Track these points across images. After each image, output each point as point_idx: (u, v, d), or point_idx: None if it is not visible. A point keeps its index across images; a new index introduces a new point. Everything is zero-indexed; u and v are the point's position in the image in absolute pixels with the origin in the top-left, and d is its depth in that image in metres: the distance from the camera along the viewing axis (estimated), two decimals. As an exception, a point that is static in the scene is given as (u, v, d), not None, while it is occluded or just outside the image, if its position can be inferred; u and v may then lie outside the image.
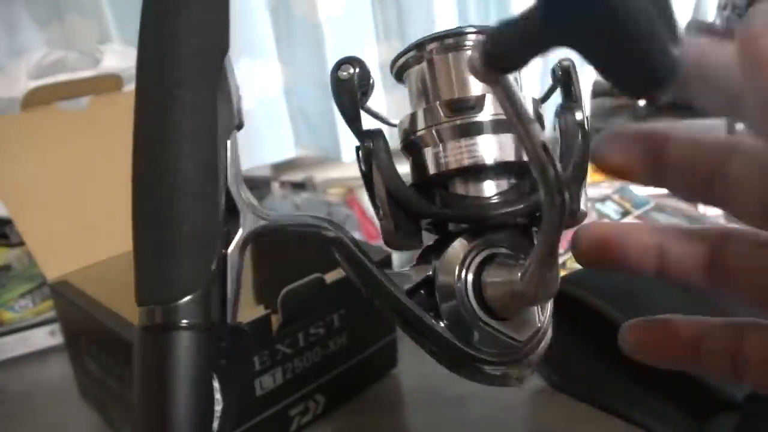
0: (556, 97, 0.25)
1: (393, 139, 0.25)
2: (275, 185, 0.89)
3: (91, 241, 0.48)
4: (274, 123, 0.89)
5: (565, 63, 0.24)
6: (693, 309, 0.24)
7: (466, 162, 0.22)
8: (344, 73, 0.23)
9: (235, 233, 0.20)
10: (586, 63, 0.15)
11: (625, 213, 0.61)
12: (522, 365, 0.23)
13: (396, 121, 0.25)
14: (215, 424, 0.19)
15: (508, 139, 0.23)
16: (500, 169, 0.23)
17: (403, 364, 0.48)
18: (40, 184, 0.49)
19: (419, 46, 0.23)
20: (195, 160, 0.19)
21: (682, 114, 0.77)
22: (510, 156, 0.22)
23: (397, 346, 0.47)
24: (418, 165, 0.24)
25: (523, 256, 0.22)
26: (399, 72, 0.25)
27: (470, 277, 0.22)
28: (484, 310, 0.22)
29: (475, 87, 0.23)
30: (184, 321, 0.19)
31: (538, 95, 0.25)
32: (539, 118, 0.24)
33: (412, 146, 0.24)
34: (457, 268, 0.22)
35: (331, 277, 0.40)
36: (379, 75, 0.82)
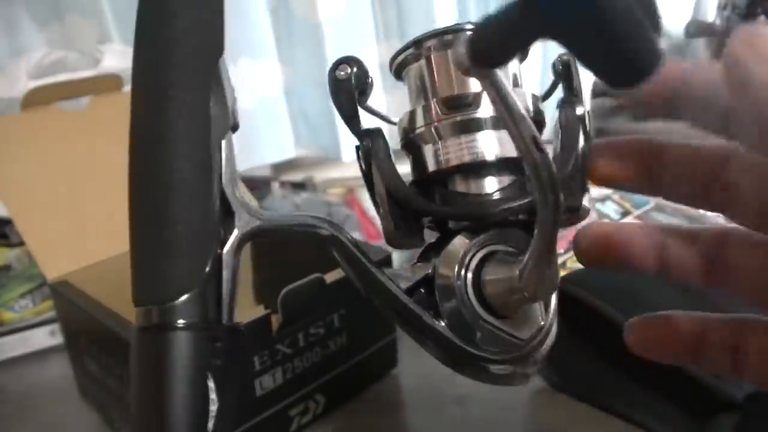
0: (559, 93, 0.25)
1: (394, 138, 0.25)
2: (275, 185, 0.89)
3: (91, 241, 0.48)
4: (274, 123, 0.89)
5: (566, 57, 0.24)
6: (693, 309, 0.24)
7: (466, 159, 0.22)
8: (342, 73, 0.23)
9: (230, 234, 0.21)
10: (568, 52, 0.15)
11: (625, 213, 0.61)
12: (526, 364, 0.22)
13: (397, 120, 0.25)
14: (210, 424, 0.19)
15: (507, 135, 0.22)
16: (500, 166, 0.23)
17: (403, 364, 0.48)
18: (40, 184, 0.49)
19: (417, 43, 0.23)
20: (189, 161, 0.19)
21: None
22: (510, 152, 0.22)
23: (397, 346, 0.47)
24: (418, 163, 0.24)
25: (525, 253, 0.22)
26: (398, 69, 0.25)
27: (470, 274, 0.22)
28: (484, 308, 0.22)
29: (474, 84, 0.22)
30: (181, 321, 0.19)
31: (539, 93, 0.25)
32: (539, 114, 0.23)
33: (411, 144, 0.24)
34: (457, 266, 0.22)
35: (331, 277, 0.40)
36: (378, 75, 0.82)
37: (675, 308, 0.24)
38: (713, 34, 0.95)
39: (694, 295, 0.30)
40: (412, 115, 0.24)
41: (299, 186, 0.90)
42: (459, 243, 0.22)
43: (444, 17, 0.89)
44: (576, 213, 0.23)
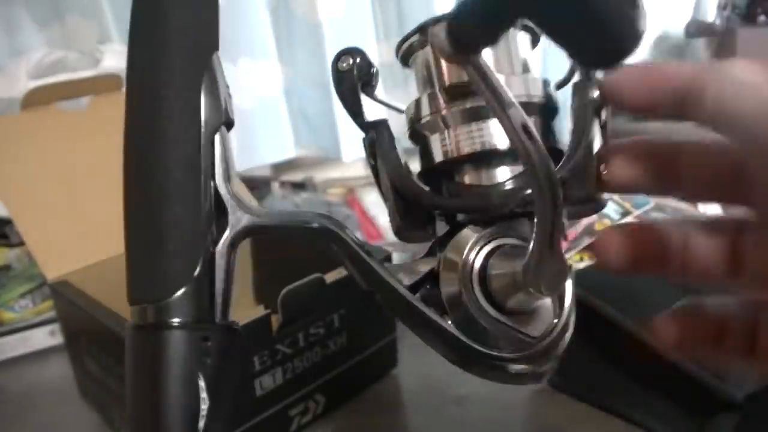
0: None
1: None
2: (275, 185, 0.89)
3: (91, 241, 0.48)
4: (273, 123, 0.89)
5: None
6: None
7: (471, 148, 0.21)
8: (344, 64, 0.23)
9: (224, 231, 0.20)
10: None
11: (625, 213, 0.61)
12: (538, 362, 0.21)
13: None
14: (201, 424, 0.19)
15: None
16: (506, 156, 0.22)
17: (403, 364, 0.48)
18: (40, 184, 0.49)
19: (423, 29, 0.22)
20: (178, 160, 0.19)
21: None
22: None
23: (397, 346, 0.47)
24: (425, 153, 0.23)
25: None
26: (405, 57, 0.24)
27: (476, 269, 0.21)
28: (491, 304, 0.21)
29: None
30: (171, 320, 0.19)
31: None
32: (549, 99, 0.22)
33: (417, 134, 0.23)
34: (462, 260, 0.21)
35: (331, 277, 0.40)
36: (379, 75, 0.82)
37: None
38: (713, 34, 0.95)
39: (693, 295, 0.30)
40: (418, 103, 0.23)
41: (299, 186, 0.90)
42: (465, 236, 0.21)
43: (444, 17, 0.89)
44: (588, 204, 0.22)
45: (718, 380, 0.34)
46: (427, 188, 0.23)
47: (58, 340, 0.56)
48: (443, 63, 0.22)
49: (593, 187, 0.21)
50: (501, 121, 0.17)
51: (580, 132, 0.21)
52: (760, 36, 0.91)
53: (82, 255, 0.48)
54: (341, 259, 0.22)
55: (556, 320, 0.21)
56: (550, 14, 0.14)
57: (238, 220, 0.21)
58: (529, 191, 0.21)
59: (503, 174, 0.22)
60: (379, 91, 0.25)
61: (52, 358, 0.56)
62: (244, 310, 0.37)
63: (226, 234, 0.20)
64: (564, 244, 0.19)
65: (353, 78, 0.23)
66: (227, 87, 0.21)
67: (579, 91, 0.22)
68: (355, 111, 0.23)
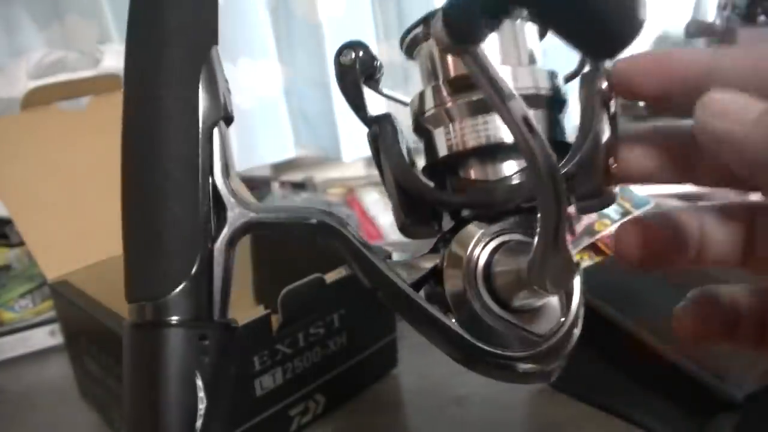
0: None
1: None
2: (275, 185, 0.89)
3: (91, 241, 0.48)
4: (273, 123, 0.89)
5: None
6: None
7: (476, 142, 0.21)
8: (346, 58, 0.23)
9: (222, 228, 0.20)
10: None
11: (625, 213, 0.61)
12: (545, 361, 0.20)
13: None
14: (198, 423, 0.19)
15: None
16: (513, 149, 0.21)
17: (403, 364, 0.48)
18: (40, 184, 0.49)
19: (426, 21, 0.22)
20: (175, 157, 0.19)
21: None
22: None
23: (397, 346, 0.47)
24: (429, 147, 0.23)
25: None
26: (408, 49, 0.23)
27: (480, 265, 0.20)
28: (496, 302, 0.20)
29: None
30: (167, 318, 0.19)
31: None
32: (557, 91, 0.22)
33: (422, 127, 0.23)
34: (466, 257, 0.20)
35: (331, 277, 0.40)
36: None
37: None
38: (713, 34, 0.95)
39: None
40: (422, 96, 0.22)
41: (299, 186, 0.90)
42: (469, 232, 0.21)
43: (444, 17, 0.89)
44: (596, 198, 0.21)
45: (718, 380, 0.33)
46: (431, 183, 0.22)
47: (58, 340, 0.56)
48: (446, 56, 0.22)
49: (601, 181, 0.21)
50: (500, 114, 0.16)
51: (587, 124, 0.21)
52: (760, 36, 0.91)
53: (82, 255, 0.48)
54: (343, 256, 0.21)
55: (563, 318, 0.21)
56: (546, 1, 0.13)
57: (236, 216, 0.20)
58: (531, 187, 0.20)
59: (510, 168, 0.21)
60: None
61: (52, 358, 0.56)
62: (244, 310, 0.37)
63: (225, 230, 0.20)
64: (569, 238, 0.19)
65: (356, 72, 0.23)
66: (226, 82, 0.21)
67: (587, 82, 0.21)
68: (357, 105, 0.23)
